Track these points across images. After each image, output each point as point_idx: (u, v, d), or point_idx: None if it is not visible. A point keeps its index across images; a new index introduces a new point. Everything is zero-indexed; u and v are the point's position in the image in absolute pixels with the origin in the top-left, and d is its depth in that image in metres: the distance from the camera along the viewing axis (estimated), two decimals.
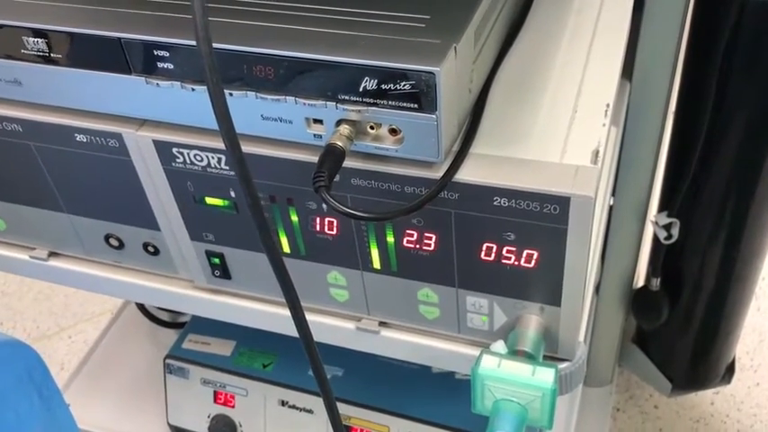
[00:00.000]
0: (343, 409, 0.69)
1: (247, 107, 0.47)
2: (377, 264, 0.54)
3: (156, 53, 0.47)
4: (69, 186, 0.59)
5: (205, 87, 0.36)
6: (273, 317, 0.61)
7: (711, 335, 0.94)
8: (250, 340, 0.90)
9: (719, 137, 0.76)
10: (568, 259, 0.48)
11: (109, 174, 0.56)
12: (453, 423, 0.78)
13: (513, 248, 0.49)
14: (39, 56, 0.51)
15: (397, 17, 0.46)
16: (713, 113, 0.75)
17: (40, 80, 0.52)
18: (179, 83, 0.48)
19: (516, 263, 0.49)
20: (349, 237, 0.53)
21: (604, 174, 0.62)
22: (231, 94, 0.47)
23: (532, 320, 0.52)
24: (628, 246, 0.88)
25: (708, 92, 0.73)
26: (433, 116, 0.43)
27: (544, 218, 0.46)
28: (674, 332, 0.96)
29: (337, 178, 0.48)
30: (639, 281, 0.97)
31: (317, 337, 0.46)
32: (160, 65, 0.48)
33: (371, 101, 0.44)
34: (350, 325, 0.59)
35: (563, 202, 0.45)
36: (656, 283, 0.92)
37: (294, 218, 0.53)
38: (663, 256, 0.89)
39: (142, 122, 0.53)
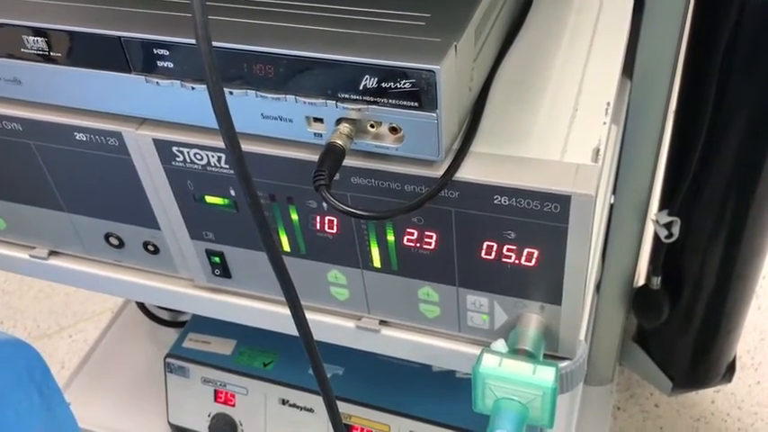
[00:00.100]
0: (343, 407, 0.69)
1: (247, 106, 0.47)
2: (377, 262, 0.54)
3: (155, 52, 0.47)
4: (69, 185, 0.59)
5: (205, 86, 0.36)
6: (274, 316, 0.61)
7: (712, 333, 0.94)
8: (250, 339, 0.89)
9: (720, 136, 0.76)
10: (569, 258, 0.48)
11: (109, 173, 0.56)
12: (454, 422, 0.78)
13: (514, 247, 0.49)
14: (38, 55, 0.51)
15: (397, 15, 0.46)
16: (713, 112, 0.75)
17: (39, 79, 0.52)
18: (179, 81, 0.48)
19: (517, 261, 0.49)
20: (349, 235, 0.53)
21: (605, 172, 0.62)
22: (231, 93, 0.47)
23: (533, 319, 0.52)
24: (628, 244, 0.88)
25: (708, 91, 0.73)
26: (434, 114, 0.43)
27: (545, 216, 0.46)
28: (674, 331, 0.96)
29: (337, 177, 0.48)
30: (640, 279, 0.97)
31: (318, 335, 0.46)
32: (160, 63, 0.48)
33: (372, 99, 0.44)
34: (350, 324, 0.59)
35: (564, 200, 0.45)
36: (656, 281, 0.92)
37: (294, 216, 0.53)
38: (663, 255, 0.89)
39: (142, 121, 0.53)
